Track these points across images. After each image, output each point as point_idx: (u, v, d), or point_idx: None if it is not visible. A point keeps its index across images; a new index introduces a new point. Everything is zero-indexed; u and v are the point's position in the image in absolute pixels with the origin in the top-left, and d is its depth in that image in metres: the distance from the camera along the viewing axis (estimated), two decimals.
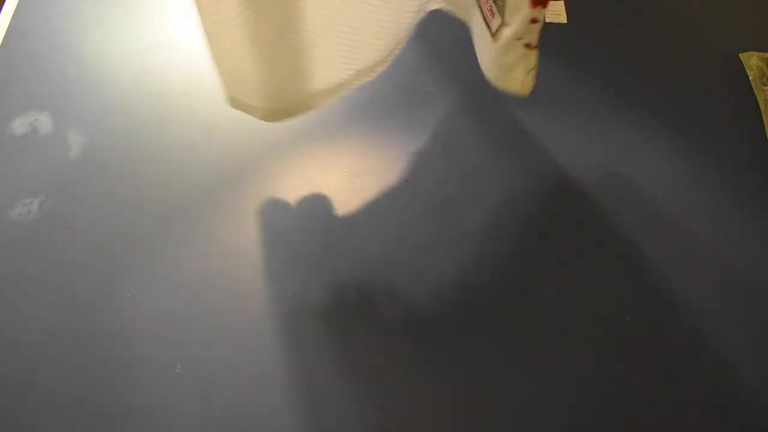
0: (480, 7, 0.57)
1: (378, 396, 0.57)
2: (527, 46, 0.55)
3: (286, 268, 0.64)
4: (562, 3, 0.84)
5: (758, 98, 0.75)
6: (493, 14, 0.55)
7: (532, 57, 0.56)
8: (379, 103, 0.76)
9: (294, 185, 0.70)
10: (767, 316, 0.61)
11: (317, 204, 0.69)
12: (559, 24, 0.82)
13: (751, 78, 0.77)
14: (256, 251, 0.66)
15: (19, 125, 0.76)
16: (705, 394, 0.57)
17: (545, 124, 0.73)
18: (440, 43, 0.81)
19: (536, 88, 0.60)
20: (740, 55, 0.79)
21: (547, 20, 0.83)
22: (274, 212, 0.68)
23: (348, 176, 0.70)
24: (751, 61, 0.78)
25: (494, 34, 0.56)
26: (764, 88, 0.76)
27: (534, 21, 0.53)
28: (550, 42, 0.82)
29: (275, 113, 0.61)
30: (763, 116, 0.74)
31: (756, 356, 0.59)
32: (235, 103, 0.62)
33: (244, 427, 0.56)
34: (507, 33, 0.54)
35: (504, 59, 0.57)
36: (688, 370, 0.58)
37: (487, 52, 0.59)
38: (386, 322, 0.61)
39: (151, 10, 0.87)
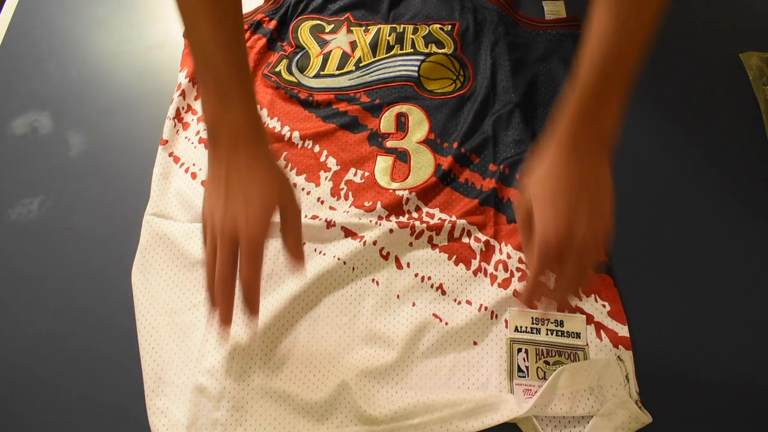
0: None
1: None
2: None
3: None
4: (562, 3, 0.84)
5: (758, 98, 0.75)
6: None
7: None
8: None
9: None
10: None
11: None
12: (557, 19, 0.82)
13: (751, 78, 0.77)
14: None
15: (19, 125, 0.76)
16: None
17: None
18: None
19: None
20: (740, 55, 0.79)
21: (546, 20, 0.83)
22: None
23: None
24: (751, 61, 0.78)
25: None
26: (764, 87, 0.76)
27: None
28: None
29: None
30: (763, 116, 0.74)
31: None
32: None
33: None
34: None
35: None
36: None
37: None
38: None
39: (153, 10, 0.87)
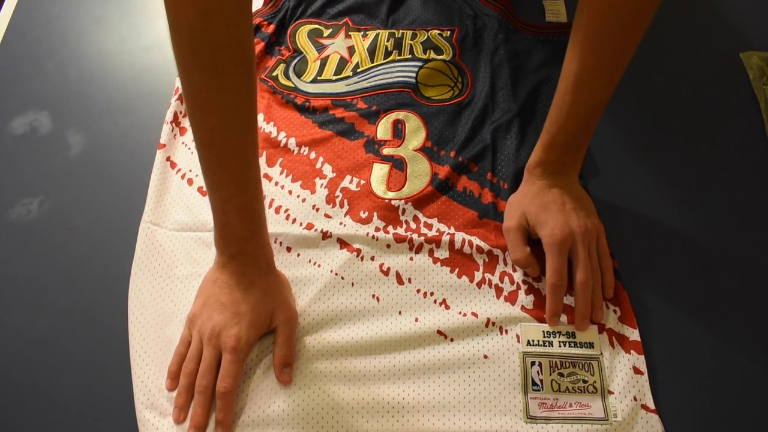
0: None
1: None
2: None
3: None
4: (563, 2, 0.84)
5: (758, 98, 0.75)
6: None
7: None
8: None
9: None
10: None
11: None
12: (559, 23, 0.82)
13: (751, 77, 0.77)
14: None
15: (19, 125, 0.76)
16: None
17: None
18: None
19: None
20: (741, 54, 0.79)
21: (546, 20, 0.83)
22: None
23: None
24: (752, 60, 0.78)
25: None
26: (764, 87, 0.76)
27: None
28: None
29: None
30: (763, 116, 0.74)
31: None
32: None
33: None
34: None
35: None
36: None
37: None
38: None
39: (152, 10, 0.87)
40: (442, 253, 0.64)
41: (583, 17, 0.57)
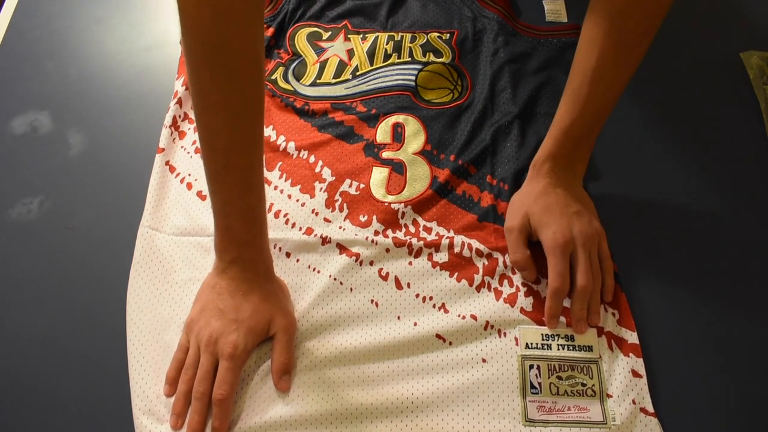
0: None
1: None
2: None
3: None
4: (563, 3, 0.84)
5: (758, 97, 0.75)
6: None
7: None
8: None
9: None
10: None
11: None
12: (559, 24, 0.82)
13: (751, 77, 0.77)
14: None
15: (19, 125, 0.76)
16: None
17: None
18: None
19: None
20: (741, 54, 0.79)
21: (546, 19, 0.83)
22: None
23: None
24: (752, 60, 0.78)
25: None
26: (764, 87, 0.76)
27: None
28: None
29: None
30: (764, 115, 0.74)
31: None
32: None
33: None
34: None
35: None
36: None
37: None
38: None
39: (152, 10, 0.87)
40: (442, 257, 0.64)
41: (602, 12, 0.57)
